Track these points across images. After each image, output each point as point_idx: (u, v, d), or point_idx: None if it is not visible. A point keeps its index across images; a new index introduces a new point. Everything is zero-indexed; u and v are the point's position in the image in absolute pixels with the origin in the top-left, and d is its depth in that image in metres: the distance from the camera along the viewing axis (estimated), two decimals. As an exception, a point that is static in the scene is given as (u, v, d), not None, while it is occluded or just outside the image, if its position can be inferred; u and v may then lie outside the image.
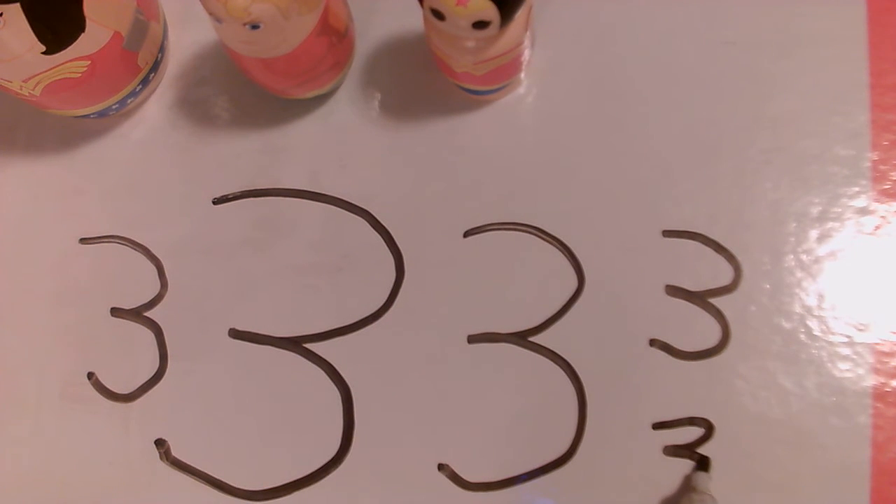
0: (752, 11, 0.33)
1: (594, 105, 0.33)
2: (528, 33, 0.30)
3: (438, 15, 0.26)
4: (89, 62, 0.30)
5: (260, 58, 0.29)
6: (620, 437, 0.31)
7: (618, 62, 0.33)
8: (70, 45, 0.29)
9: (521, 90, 0.33)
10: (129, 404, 0.33)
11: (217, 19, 0.27)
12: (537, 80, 0.33)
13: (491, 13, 0.26)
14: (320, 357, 0.32)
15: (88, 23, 0.29)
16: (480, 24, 0.26)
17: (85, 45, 0.29)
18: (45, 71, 0.29)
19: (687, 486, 0.30)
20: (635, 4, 0.33)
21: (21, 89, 0.30)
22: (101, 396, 0.33)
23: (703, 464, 0.30)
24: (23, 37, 0.27)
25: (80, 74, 0.30)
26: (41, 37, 0.28)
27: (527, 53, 0.31)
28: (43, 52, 0.28)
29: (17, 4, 0.27)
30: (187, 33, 0.35)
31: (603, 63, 0.33)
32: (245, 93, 0.34)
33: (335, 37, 0.30)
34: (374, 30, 0.34)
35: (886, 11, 0.32)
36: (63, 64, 0.29)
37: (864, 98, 0.32)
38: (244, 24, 0.27)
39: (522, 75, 0.33)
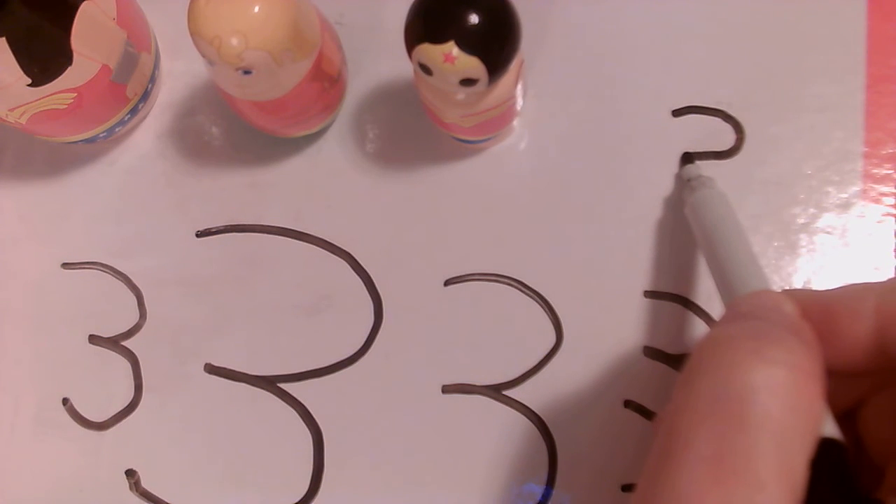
0: (749, 74, 0.32)
1: (585, 157, 0.33)
2: (519, 87, 0.30)
3: (426, 70, 0.26)
4: (76, 94, 0.29)
5: (251, 100, 0.29)
6: (589, 496, 0.30)
7: (612, 116, 0.33)
8: (56, 78, 0.28)
9: (513, 138, 0.33)
10: (102, 433, 0.33)
11: (209, 62, 0.27)
12: (530, 128, 0.33)
13: (479, 71, 0.26)
14: (294, 398, 0.32)
15: (76, 56, 0.28)
16: (468, 82, 0.26)
17: (71, 77, 0.29)
18: (31, 102, 0.29)
19: (682, 183, 0.31)
20: (634, 59, 0.33)
21: (7, 117, 0.30)
22: (74, 423, 0.33)
23: (687, 158, 0.31)
24: (8, 69, 0.27)
25: (66, 106, 0.30)
26: (27, 69, 0.28)
27: (519, 104, 0.31)
28: (28, 85, 0.28)
29: (3, 38, 0.26)
30: (180, 60, 0.35)
31: (596, 116, 0.33)
32: (235, 126, 0.34)
33: (327, 82, 0.30)
34: (366, 71, 0.34)
35: (884, 80, 0.32)
36: (49, 96, 0.29)
37: (858, 168, 0.32)
38: (236, 70, 0.27)
39: (515, 122, 0.33)
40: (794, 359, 0.18)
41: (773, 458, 0.17)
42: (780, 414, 0.18)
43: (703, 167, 0.32)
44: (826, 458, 0.19)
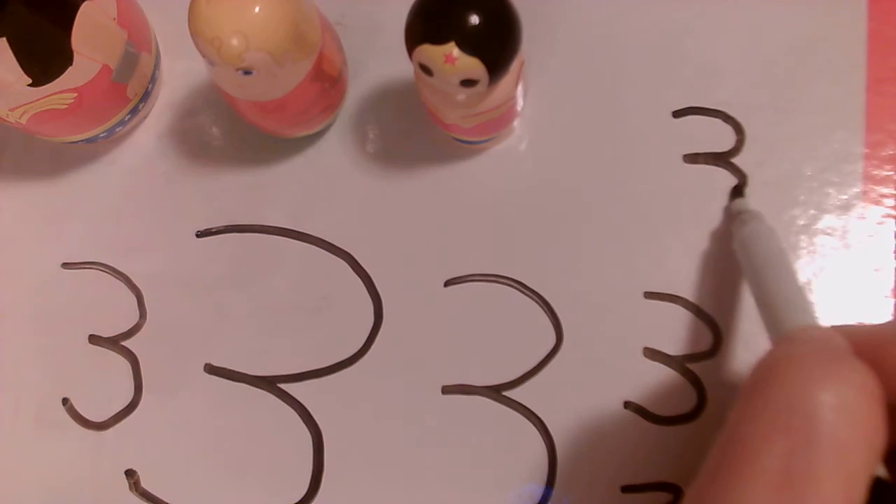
0: (750, 75, 0.32)
1: (585, 158, 0.33)
2: (519, 87, 0.30)
3: (427, 70, 0.26)
4: (76, 94, 0.29)
5: (251, 101, 0.29)
6: (588, 496, 0.30)
7: (612, 117, 0.33)
8: (57, 78, 0.28)
9: (513, 139, 0.33)
10: (102, 433, 0.33)
11: (210, 63, 0.27)
12: (530, 129, 0.33)
13: (479, 72, 0.26)
14: (294, 398, 0.32)
15: (76, 56, 0.28)
16: (468, 83, 0.26)
17: (72, 78, 0.29)
18: (31, 102, 0.29)
19: (731, 215, 0.31)
20: (634, 60, 0.33)
21: (7, 117, 0.30)
22: (74, 423, 0.33)
23: (737, 191, 0.31)
24: (9, 69, 0.27)
25: (66, 106, 0.30)
26: (27, 69, 0.28)
27: (519, 105, 0.31)
28: (29, 85, 0.28)
29: (4, 39, 0.26)
30: (181, 60, 0.35)
31: (597, 117, 0.33)
32: (236, 126, 0.34)
33: (328, 82, 0.30)
34: (367, 72, 0.34)
35: (885, 81, 0.32)
36: (49, 96, 0.29)
37: (858, 169, 0.32)
38: (237, 70, 0.27)
39: (515, 123, 0.33)
40: (868, 383, 0.18)
41: (839, 481, 0.17)
42: (851, 436, 0.18)
43: (705, 170, 0.32)
44: (872, 495, 0.18)
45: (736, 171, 0.32)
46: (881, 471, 0.19)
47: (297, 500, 0.31)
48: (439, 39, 0.24)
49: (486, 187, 0.33)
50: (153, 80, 0.33)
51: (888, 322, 0.21)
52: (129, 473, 0.32)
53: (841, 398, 0.18)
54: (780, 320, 0.25)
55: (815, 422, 0.18)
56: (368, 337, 0.32)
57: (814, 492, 0.17)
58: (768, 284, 0.27)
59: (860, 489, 0.18)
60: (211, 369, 0.33)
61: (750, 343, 0.30)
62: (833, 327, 0.22)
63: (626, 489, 0.30)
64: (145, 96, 0.33)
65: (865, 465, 0.18)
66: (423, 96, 0.30)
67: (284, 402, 0.32)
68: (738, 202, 0.31)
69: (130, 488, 0.32)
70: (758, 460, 0.18)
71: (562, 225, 0.32)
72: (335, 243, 0.33)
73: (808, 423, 0.18)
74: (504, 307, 0.32)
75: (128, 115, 0.33)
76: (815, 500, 0.17)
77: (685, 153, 0.32)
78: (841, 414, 0.18)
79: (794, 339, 0.22)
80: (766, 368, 0.20)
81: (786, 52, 0.33)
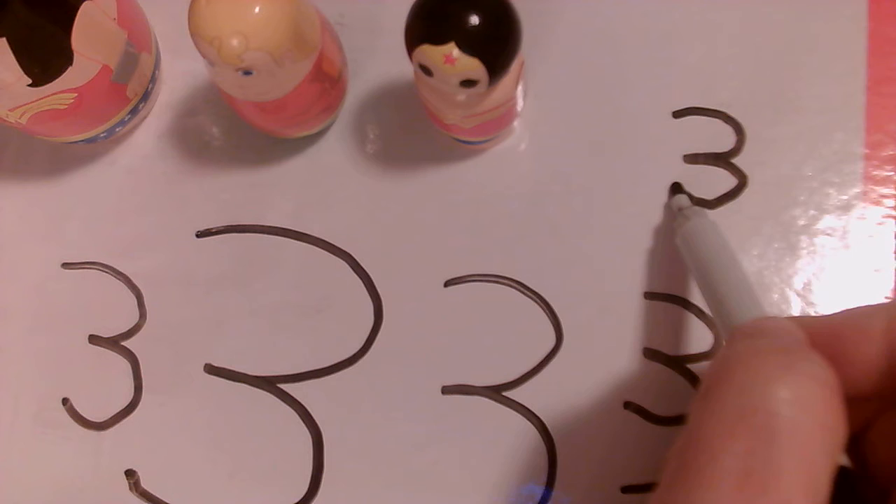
0: (750, 75, 0.32)
1: (585, 158, 0.33)
2: (519, 88, 0.30)
3: (427, 71, 0.26)
4: (76, 94, 0.29)
5: (251, 101, 0.29)
6: (588, 496, 0.30)
7: (613, 117, 0.33)
8: (56, 78, 0.28)
9: (513, 139, 0.33)
10: (102, 433, 0.33)
11: (210, 63, 0.27)
12: (530, 129, 0.33)
13: (479, 73, 0.26)
14: (293, 398, 0.32)
15: (76, 56, 0.28)
16: (468, 83, 0.26)
17: (72, 78, 0.29)
18: (31, 102, 0.29)
19: (672, 212, 0.31)
20: (634, 60, 0.33)
21: (7, 117, 0.30)
22: (74, 423, 0.33)
23: (676, 189, 0.31)
24: (9, 69, 0.27)
25: (66, 106, 0.30)
26: (27, 70, 0.28)
27: (519, 105, 0.31)
28: (29, 85, 0.28)
29: (4, 39, 0.26)
30: (181, 60, 0.35)
31: (597, 117, 0.33)
32: (235, 126, 0.34)
33: (328, 82, 0.30)
34: (367, 72, 0.34)
35: (885, 81, 0.32)
36: (49, 96, 0.29)
37: (858, 170, 0.32)
38: (237, 70, 0.27)
39: (515, 123, 0.33)
40: (824, 374, 0.18)
41: (802, 475, 0.17)
42: (811, 429, 0.17)
43: (705, 170, 0.32)
44: (835, 484, 0.18)
45: (736, 171, 0.32)
46: (841, 459, 0.19)
47: (297, 500, 0.31)
48: (439, 40, 0.24)
49: (486, 187, 0.33)
50: (153, 80, 0.33)
51: (843, 311, 0.21)
52: (129, 473, 0.32)
53: (797, 392, 0.18)
54: (731, 314, 0.25)
55: (773, 418, 0.17)
56: (368, 337, 0.32)
57: (776, 487, 0.17)
58: (717, 279, 0.27)
59: (823, 481, 0.17)
60: (211, 369, 0.33)
61: (750, 343, 0.30)
62: (789, 318, 0.22)
63: (626, 489, 0.30)
64: (145, 96, 0.33)
65: (827, 456, 0.18)
66: (422, 96, 0.30)
67: (284, 402, 0.32)
68: (679, 198, 0.31)
69: (130, 488, 0.32)
70: (718, 462, 0.17)
71: (562, 225, 0.32)
72: (335, 243, 0.33)
73: (766, 420, 0.17)
74: (504, 307, 0.32)
75: (128, 115, 0.33)
76: (777, 496, 0.17)
77: (685, 153, 0.32)
78: (798, 408, 0.17)
79: (747, 333, 0.21)
80: (720, 366, 0.19)
81: (786, 52, 0.33)
